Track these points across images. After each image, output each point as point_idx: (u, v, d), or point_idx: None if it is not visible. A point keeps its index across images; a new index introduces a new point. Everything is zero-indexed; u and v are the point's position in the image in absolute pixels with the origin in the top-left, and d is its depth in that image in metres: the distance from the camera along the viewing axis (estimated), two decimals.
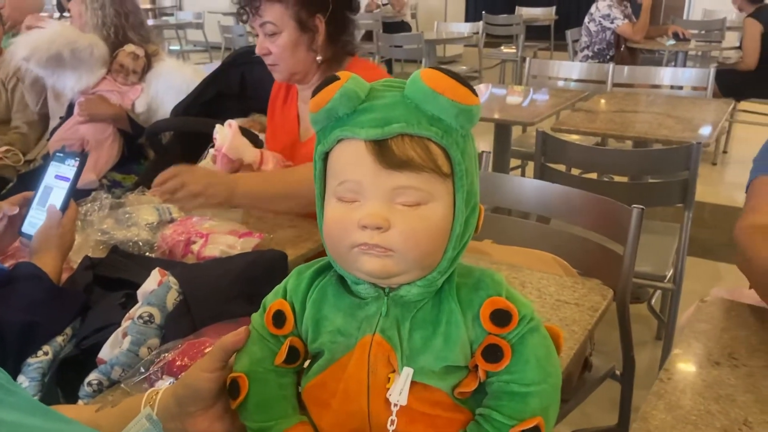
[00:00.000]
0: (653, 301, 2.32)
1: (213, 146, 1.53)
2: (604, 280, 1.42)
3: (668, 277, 1.91)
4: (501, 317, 0.59)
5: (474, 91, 0.58)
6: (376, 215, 0.56)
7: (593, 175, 2.61)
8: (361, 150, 0.57)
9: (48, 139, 2.37)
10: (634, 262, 1.35)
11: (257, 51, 1.45)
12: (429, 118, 0.57)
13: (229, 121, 1.53)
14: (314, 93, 0.61)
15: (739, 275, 1.55)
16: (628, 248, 1.34)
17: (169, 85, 2.22)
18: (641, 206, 1.33)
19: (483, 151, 1.78)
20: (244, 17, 1.43)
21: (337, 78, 0.59)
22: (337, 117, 0.59)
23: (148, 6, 9.26)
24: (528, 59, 3.50)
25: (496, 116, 2.78)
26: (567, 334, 1.01)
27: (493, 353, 0.59)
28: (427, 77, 0.57)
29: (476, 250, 1.47)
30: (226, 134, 1.49)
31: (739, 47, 4.42)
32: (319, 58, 1.45)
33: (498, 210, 1.95)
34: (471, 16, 8.32)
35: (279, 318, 0.64)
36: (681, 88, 3.26)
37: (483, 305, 0.60)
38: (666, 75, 3.17)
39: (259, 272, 1.01)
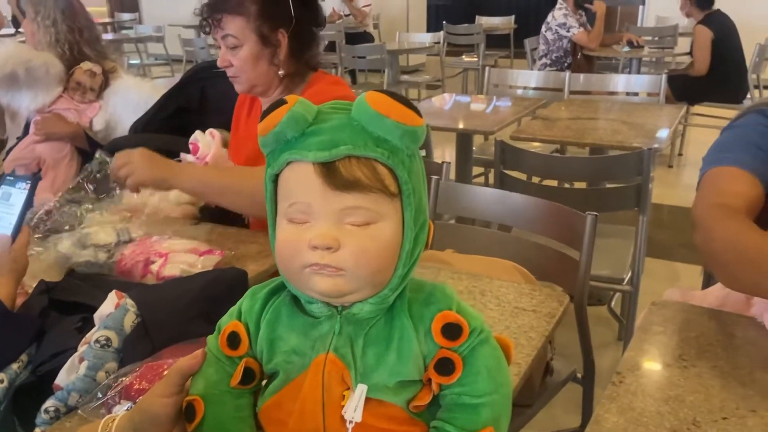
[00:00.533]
0: (613, 303, 2.38)
1: (182, 155, 1.53)
2: (563, 286, 1.45)
3: (626, 279, 1.96)
4: (452, 331, 0.61)
5: (418, 113, 0.60)
6: (325, 236, 0.58)
7: (554, 182, 2.66)
8: (310, 172, 0.58)
9: (4, 159, 2.32)
10: (589, 267, 1.38)
11: (219, 63, 1.45)
12: (375, 139, 0.59)
13: (211, 130, 1.54)
14: (262, 117, 0.62)
15: (698, 274, 1.59)
16: (583, 254, 1.37)
17: (128, 101, 2.20)
18: (595, 213, 1.37)
19: (444, 162, 1.81)
20: (207, 29, 1.44)
21: (284, 102, 0.60)
22: (286, 140, 0.60)
23: (107, 20, 9.13)
24: (488, 69, 3.56)
25: (457, 126, 2.82)
26: (525, 341, 1.03)
27: (445, 366, 0.61)
28: (372, 100, 0.59)
29: (438, 260, 1.49)
30: (210, 142, 1.49)
31: (690, 53, 4.56)
32: (281, 72, 1.46)
33: (461, 219, 1.98)
34: (432, 26, 8.41)
35: (233, 339, 0.64)
36: (636, 94, 3.36)
37: (434, 319, 0.61)
38: (620, 82, 3.26)
39: (219, 291, 1.01)
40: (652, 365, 0.93)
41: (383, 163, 0.59)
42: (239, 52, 1.40)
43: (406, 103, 0.60)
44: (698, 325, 1.02)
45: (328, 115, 0.60)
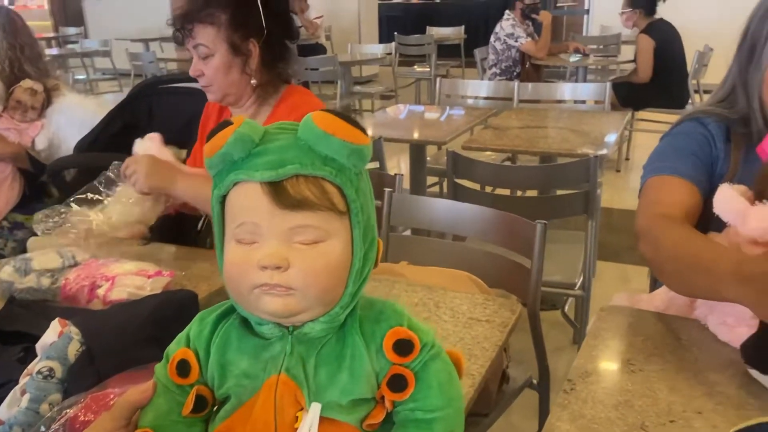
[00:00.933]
0: (567, 307, 2.42)
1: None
2: (516, 293, 1.48)
3: (578, 284, 2.00)
4: (403, 347, 0.61)
5: (364, 131, 0.61)
6: (274, 255, 0.57)
7: (507, 191, 2.71)
8: (257, 192, 0.58)
9: None
10: (541, 275, 1.41)
11: (191, 72, 1.47)
12: (322, 158, 0.59)
13: (150, 135, 1.52)
14: (208, 138, 0.61)
15: (647, 275, 1.63)
16: (534, 261, 1.40)
17: (71, 120, 2.14)
18: (544, 221, 1.39)
19: (396, 174, 1.82)
20: (180, 39, 1.46)
21: (230, 123, 0.60)
22: (233, 161, 0.59)
23: (51, 34, 8.88)
24: (439, 80, 3.60)
25: (410, 137, 2.84)
26: (479, 352, 1.04)
27: (397, 383, 0.61)
28: (318, 120, 0.59)
29: (392, 272, 1.49)
30: (149, 146, 1.47)
31: (634, 60, 4.71)
32: (253, 81, 1.48)
33: (416, 231, 1.99)
34: (384, 36, 8.48)
35: (183, 367, 0.63)
36: (584, 102, 3.45)
37: (386, 336, 0.62)
38: (567, 90, 3.35)
39: (168, 314, 0.98)
40: (602, 371, 0.94)
41: (331, 181, 0.59)
42: (211, 61, 1.43)
43: (352, 122, 0.60)
44: (645, 329, 1.04)
45: (275, 136, 0.60)
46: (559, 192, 2.44)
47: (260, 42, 1.45)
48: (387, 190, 1.65)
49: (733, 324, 0.98)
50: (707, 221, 1.06)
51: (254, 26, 1.44)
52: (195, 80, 1.58)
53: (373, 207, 0.64)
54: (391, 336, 0.61)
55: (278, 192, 0.57)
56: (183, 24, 1.42)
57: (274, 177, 0.57)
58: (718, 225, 1.01)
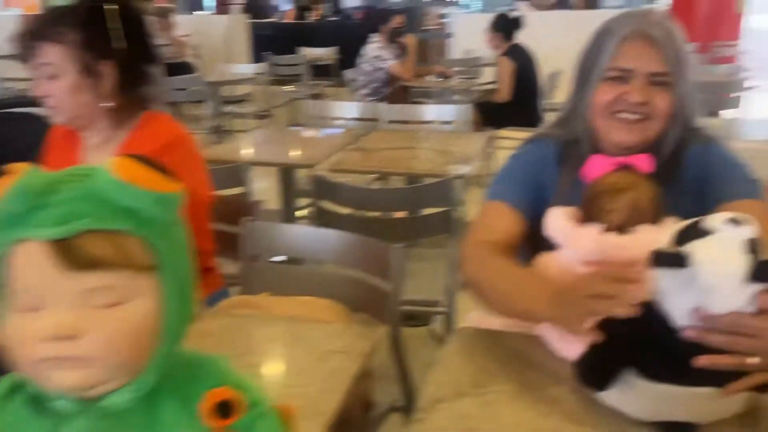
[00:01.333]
0: (438, 324, 2.47)
1: None
2: (378, 317, 1.47)
3: (442, 302, 2.04)
4: (225, 408, 0.57)
5: (171, 177, 0.56)
6: (61, 325, 0.51)
7: (377, 213, 2.72)
8: (41, 252, 0.51)
9: None
10: (399, 297, 1.41)
11: (36, 92, 1.38)
12: (123, 210, 0.53)
13: None
14: None
15: None
16: (392, 285, 1.40)
17: None
18: (401, 245, 1.41)
19: (256, 200, 1.77)
20: (24, 57, 1.36)
21: (8, 172, 0.53)
22: (12, 216, 0.53)
23: None
24: (308, 102, 3.59)
25: (280, 159, 2.81)
26: (335, 385, 1.01)
27: None
28: (116, 167, 0.54)
29: (252, 305, 1.44)
30: None
31: (495, 82, 4.96)
32: (106, 105, 1.40)
33: (290, 260, 1.94)
34: (257, 55, 8.35)
35: None
36: (450, 122, 3.57)
37: (205, 399, 0.57)
38: (431, 111, 3.46)
39: None
40: (450, 396, 0.95)
41: (132, 235, 0.54)
42: (58, 82, 1.35)
43: (157, 167, 0.55)
44: (491, 350, 1.07)
45: (65, 186, 0.54)
46: (427, 211, 2.49)
47: (115, 64, 1.38)
48: (245, 218, 1.59)
49: (571, 340, 1.03)
50: (539, 242, 1.11)
51: (108, 47, 1.37)
52: (31, 104, 1.47)
53: (189, 257, 0.59)
54: (211, 398, 0.57)
55: (66, 251, 0.51)
56: (28, 41, 1.34)
57: (61, 234, 0.51)
58: (550, 246, 1.06)
